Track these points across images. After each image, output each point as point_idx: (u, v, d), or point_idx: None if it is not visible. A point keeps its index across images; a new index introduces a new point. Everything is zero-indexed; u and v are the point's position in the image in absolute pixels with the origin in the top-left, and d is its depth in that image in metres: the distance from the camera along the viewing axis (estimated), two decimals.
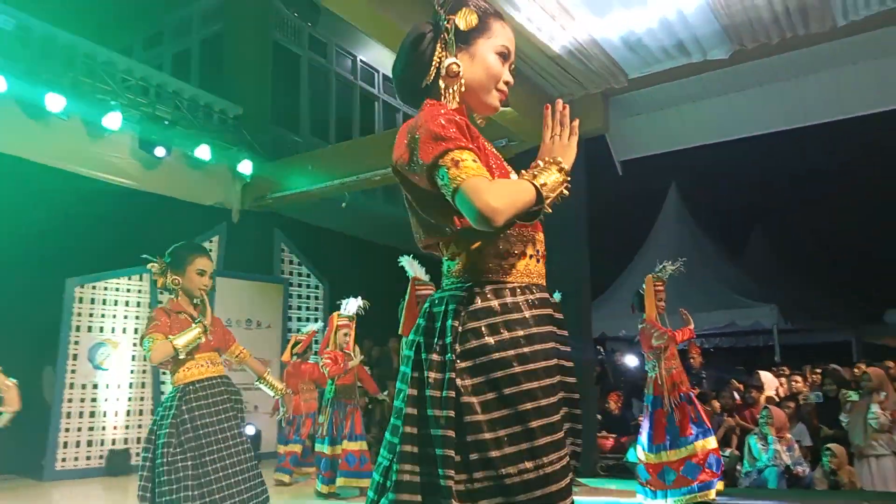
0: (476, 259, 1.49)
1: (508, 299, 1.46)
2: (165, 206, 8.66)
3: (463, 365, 1.40)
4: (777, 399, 6.93)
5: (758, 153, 12.84)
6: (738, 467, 6.19)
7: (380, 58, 12.79)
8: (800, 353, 11.47)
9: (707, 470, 4.81)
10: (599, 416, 7.89)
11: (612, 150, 8.33)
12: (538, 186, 1.43)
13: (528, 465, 1.35)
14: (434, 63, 1.55)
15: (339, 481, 5.72)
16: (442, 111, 1.49)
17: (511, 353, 1.40)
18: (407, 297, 4.19)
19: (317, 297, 10.05)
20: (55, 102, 7.06)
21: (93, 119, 7.70)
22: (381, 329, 6.39)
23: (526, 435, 1.36)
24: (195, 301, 3.20)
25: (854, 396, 6.04)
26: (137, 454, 7.88)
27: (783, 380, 7.37)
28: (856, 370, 6.65)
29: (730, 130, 8.12)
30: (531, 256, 1.53)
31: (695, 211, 13.02)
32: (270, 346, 9.14)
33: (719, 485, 4.91)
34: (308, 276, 10.04)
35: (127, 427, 7.90)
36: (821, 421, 6.45)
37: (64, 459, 7.31)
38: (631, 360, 11.94)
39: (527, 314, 1.46)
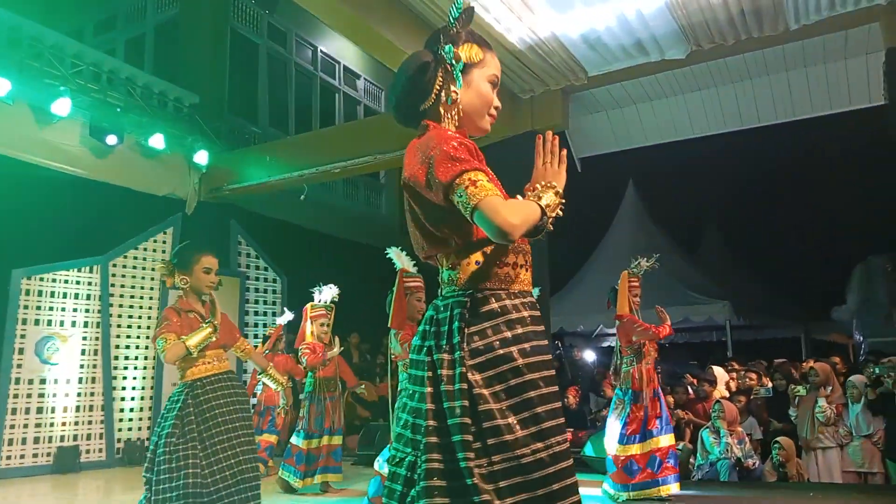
0: (476, 270, 1.67)
1: (507, 302, 1.64)
2: (117, 196, 8.43)
3: (471, 362, 1.57)
4: (728, 393, 7.10)
5: (713, 153, 13.12)
6: (692, 460, 6.32)
7: (341, 49, 12.66)
8: (751, 349, 11.78)
9: (668, 464, 4.93)
10: None
11: (571, 147, 8.40)
12: (543, 207, 1.62)
13: (539, 445, 1.52)
14: (434, 91, 1.72)
15: (331, 477, 5.71)
16: (452, 135, 1.67)
17: (513, 348, 1.58)
18: (395, 290, 4.14)
19: (275, 291, 9.91)
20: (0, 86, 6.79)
21: (40, 104, 7.42)
22: (337, 322, 6.36)
23: (534, 420, 1.54)
24: (203, 298, 3.33)
25: (802, 391, 6.22)
26: (87, 451, 7.70)
27: (734, 374, 7.55)
28: (804, 365, 6.85)
29: (686, 130, 8.28)
30: (522, 266, 1.71)
31: (651, 208, 13.24)
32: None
33: (676, 485, 4.98)
34: (266, 269, 9.89)
35: (76, 423, 7.67)
36: (770, 415, 6.62)
37: (9, 457, 7.06)
38: (588, 356, 12.12)
39: (525, 314, 1.65)
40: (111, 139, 7.92)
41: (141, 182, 8.67)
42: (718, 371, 7.43)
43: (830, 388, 6.03)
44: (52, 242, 7.68)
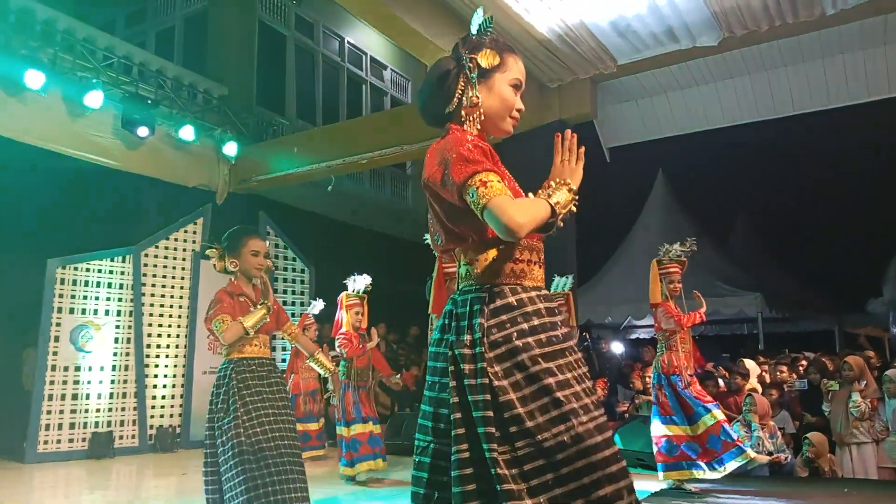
0: (492, 265, 1.75)
1: (523, 295, 1.71)
2: (148, 187, 8.56)
3: (491, 354, 1.64)
4: (761, 387, 6.98)
5: (744, 142, 12.89)
6: None
7: (367, 40, 12.66)
8: (783, 342, 11.59)
9: (709, 448, 4.93)
10: None
11: (600, 137, 8.31)
12: (552, 204, 1.68)
13: (561, 428, 1.58)
14: (457, 95, 1.81)
15: (373, 464, 5.71)
16: (469, 138, 1.74)
17: (531, 339, 1.66)
18: (434, 276, 4.19)
19: (302, 281, 10.00)
20: (34, 79, 6.91)
21: (73, 97, 7.55)
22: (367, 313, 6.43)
23: (554, 404, 1.60)
24: (254, 282, 3.39)
25: (835, 386, 6.10)
26: (121, 437, 7.86)
27: (766, 367, 7.43)
28: (837, 359, 6.70)
29: (717, 119, 8.13)
30: (535, 263, 1.80)
31: (681, 199, 13.05)
32: None
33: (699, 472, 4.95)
34: (294, 259, 9.97)
35: (110, 410, 7.84)
36: (804, 409, 6.51)
37: (46, 442, 7.25)
38: (616, 347, 12.03)
39: (540, 306, 1.72)
40: (142, 131, 8.03)
41: (171, 173, 8.79)
42: (750, 364, 7.31)
43: (865, 382, 5.90)
44: (86, 232, 7.82)
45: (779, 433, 5.96)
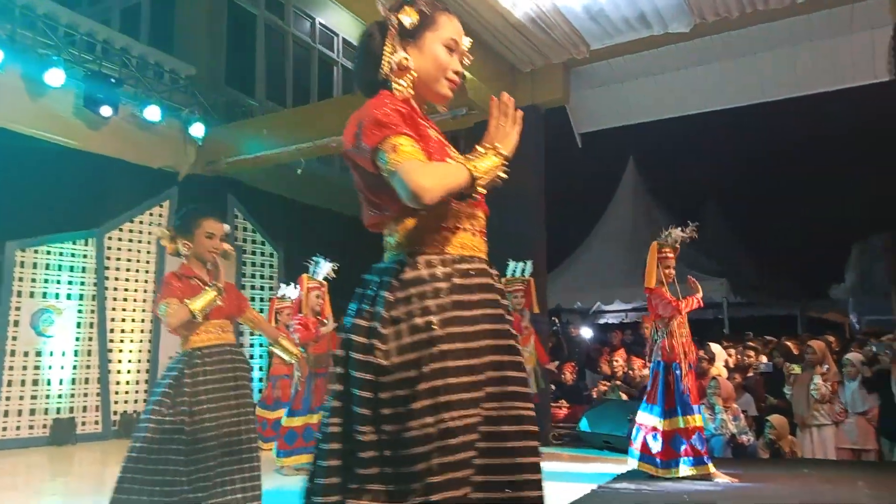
0: (412, 234, 1.64)
1: (438, 269, 1.59)
2: (113, 169, 8.34)
3: (387, 331, 1.53)
4: (726, 371, 7.10)
5: (714, 129, 13.03)
6: None
7: (339, 21, 12.47)
8: (747, 326, 11.80)
9: (691, 445, 4.81)
10: (553, 387, 7.99)
11: (572, 122, 8.32)
12: (471, 170, 1.57)
13: (429, 419, 1.47)
14: (385, 59, 1.71)
15: (297, 458, 5.47)
16: (387, 101, 1.63)
17: (434, 318, 1.53)
18: None
19: (271, 266, 9.88)
20: None
21: (33, 75, 7.31)
22: (333, 297, 6.30)
23: (432, 392, 1.49)
24: (208, 266, 3.18)
25: (797, 369, 6.22)
26: (83, 423, 7.71)
27: (732, 351, 7.55)
28: (800, 343, 6.85)
29: (688, 105, 8.19)
30: (466, 230, 1.67)
31: (651, 185, 13.17)
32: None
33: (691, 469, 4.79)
34: (262, 243, 9.84)
35: (72, 396, 7.68)
36: (767, 392, 6.64)
37: (5, 428, 7.08)
38: (585, 332, 12.14)
39: (456, 280, 1.58)
40: (106, 110, 7.82)
41: (136, 154, 8.58)
42: (716, 348, 7.43)
43: (826, 366, 6.03)
44: (47, 214, 7.61)
45: (742, 415, 6.08)
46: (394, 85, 1.70)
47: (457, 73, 1.77)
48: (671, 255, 5.19)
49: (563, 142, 8.52)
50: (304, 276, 5.79)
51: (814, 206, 15.87)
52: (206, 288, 3.08)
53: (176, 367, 3.04)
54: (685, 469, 4.75)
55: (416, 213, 1.61)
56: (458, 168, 1.58)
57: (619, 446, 6.23)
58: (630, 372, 7.75)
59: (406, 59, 1.69)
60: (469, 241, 1.67)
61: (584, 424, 6.69)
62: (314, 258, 5.87)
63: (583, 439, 6.71)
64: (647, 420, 4.99)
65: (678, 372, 4.89)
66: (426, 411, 1.48)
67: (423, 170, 1.52)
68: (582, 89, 8.06)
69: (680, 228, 5.24)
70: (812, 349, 6.13)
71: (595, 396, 8.00)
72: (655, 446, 4.87)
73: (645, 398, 5.11)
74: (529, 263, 6.40)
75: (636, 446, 5.02)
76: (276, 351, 3.67)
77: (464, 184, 1.56)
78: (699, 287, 5.20)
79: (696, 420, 4.86)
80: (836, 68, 7.29)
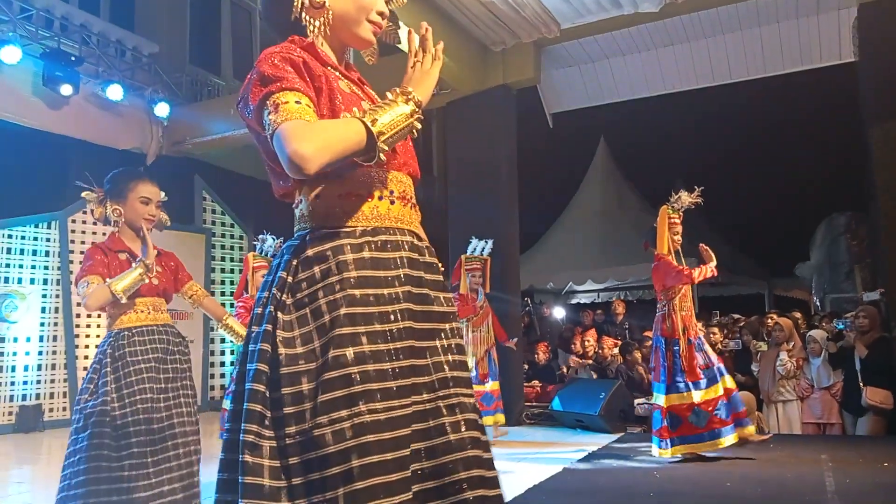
0: (316, 205, 1.41)
1: (345, 241, 1.36)
2: (74, 150, 8.13)
3: (289, 317, 1.33)
4: None
5: (683, 109, 13.08)
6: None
7: None
8: (715, 305, 11.99)
9: (716, 417, 4.61)
10: (526, 366, 8.05)
11: (543, 102, 8.31)
12: (367, 125, 1.31)
13: (343, 413, 1.24)
14: None
15: None
16: (279, 50, 1.40)
17: (339, 295, 1.31)
18: None
19: (241, 248, 9.75)
20: None
21: None
22: None
23: (343, 381, 1.26)
24: (140, 235, 2.78)
25: (764, 347, 6.35)
26: (51, 410, 7.57)
27: (703, 330, 7.66)
28: (769, 321, 6.97)
29: (658, 85, 8.23)
30: (381, 198, 1.42)
31: (622, 165, 13.23)
32: None
33: (732, 436, 4.62)
34: (232, 226, 9.70)
35: (39, 382, 7.53)
36: (736, 369, 6.75)
37: None
38: (558, 312, 12.24)
39: (366, 255, 1.36)
40: (66, 89, 7.60)
41: (99, 135, 8.38)
42: None
43: (793, 343, 6.16)
44: (8, 197, 7.40)
45: None
46: (310, 28, 1.47)
47: (381, 14, 1.54)
48: (678, 220, 4.95)
49: (534, 122, 8.51)
50: (250, 254, 5.51)
51: (780, 185, 16.13)
52: (133, 265, 2.69)
53: (100, 351, 2.70)
54: (680, 448, 4.61)
55: (321, 181, 1.39)
56: (351, 124, 1.31)
57: (590, 425, 6.32)
58: (601, 351, 7.84)
59: None
60: (385, 210, 1.42)
61: (556, 404, 6.75)
62: (261, 235, 5.62)
63: (555, 418, 6.78)
64: (656, 399, 4.79)
65: (676, 348, 4.67)
66: (338, 403, 1.25)
67: (304, 131, 1.26)
68: (553, 69, 8.04)
69: (685, 192, 4.98)
70: (779, 326, 6.25)
71: (566, 373, 8.09)
72: (657, 423, 4.69)
73: (654, 379, 4.88)
74: (490, 242, 6.36)
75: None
76: (223, 332, 3.19)
77: (360, 143, 1.30)
78: (712, 255, 4.92)
79: (693, 397, 4.61)
80: (803, 49, 7.38)
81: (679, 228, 4.93)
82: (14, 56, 7.04)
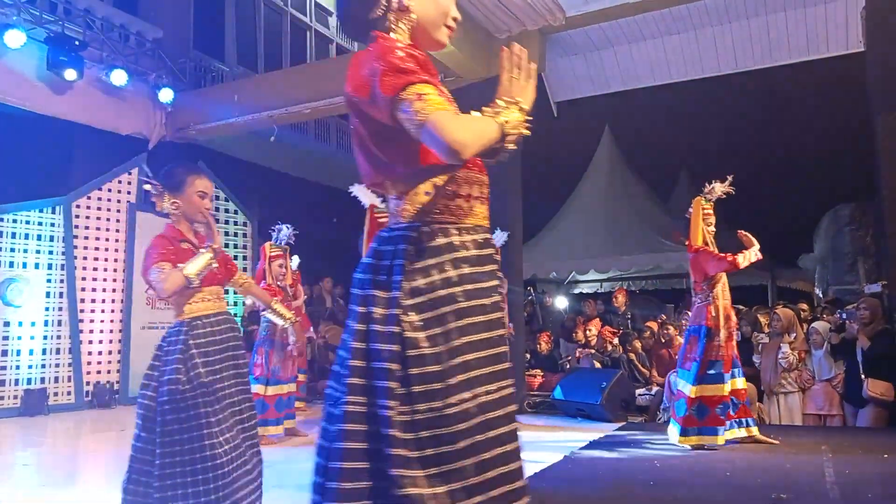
0: (425, 200, 1.52)
1: (455, 238, 1.50)
2: (78, 134, 8.15)
3: (409, 302, 1.44)
4: None
5: (689, 99, 13.03)
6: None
7: None
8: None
9: (745, 406, 4.69)
10: (528, 355, 8.07)
11: (548, 90, 8.28)
12: (502, 124, 1.44)
13: (467, 395, 1.40)
14: None
15: (288, 423, 5.48)
16: (399, 45, 1.50)
17: (457, 289, 1.46)
18: (367, 227, 3.93)
19: (244, 235, 9.76)
20: None
21: None
22: (311, 268, 6.23)
23: (465, 366, 1.42)
24: (195, 227, 2.91)
25: (765, 338, 6.34)
26: (56, 394, 7.62)
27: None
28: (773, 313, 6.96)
29: (664, 74, 8.20)
30: (476, 198, 1.57)
31: (627, 154, 13.18)
32: None
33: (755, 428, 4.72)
34: (235, 212, 9.71)
35: (44, 366, 7.57)
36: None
37: None
38: (560, 302, 12.25)
39: (473, 252, 1.51)
40: (70, 74, 7.59)
41: (103, 120, 8.38)
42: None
43: (794, 334, 6.15)
44: (12, 182, 7.42)
45: None
46: (393, 28, 1.56)
47: (455, 18, 1.64)
48: (711, 211, 4.92)
49: (538, 110, 8.47)
50: (267, 244, 5.66)
51: (785, 175, 16.08)
52: (201, 250, 2.79)
53: (178, 339, 2.75)
54: (708, 438, 4.61)
55: (430, 175, 1.51)
56: (490, 122, 1.44)
57: (592, 414, 6.34)
58: (604, 341, 7.85)
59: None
60: (478, 209, 1.58)
61: (557, 393, 6.77)
62: (276, 225, 5.77)
63: (557, 407, 6.81)
64: (682, 387, 4.76)
65: (717, 338, 4.64)
66: (462, 387, 1.41)
67: (458, 122, 1.39)
68: (558, 57, 8.01)
69: (719, 182, 4.95)
70: (778, 317, 6.25)
71: (568, 365, 8.10)
72: (682, 412, 4.67)
73: (680, 363, 4.85)
74: (506, 234, 6.39)
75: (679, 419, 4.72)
76: (271, 316, 3.50)
77: (495, 139, 1.43)
78: (753, 239, 4.83)
79: (725, 389, 4.63)
80: (810, 38, 7.33)
81: (713, 219, 4.92)
82: (18, 40, 7.03)
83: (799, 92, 14.18)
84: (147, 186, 2.97)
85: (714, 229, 4.90)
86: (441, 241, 1.49)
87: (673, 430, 4.77)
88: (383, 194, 1.63)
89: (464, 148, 1.36)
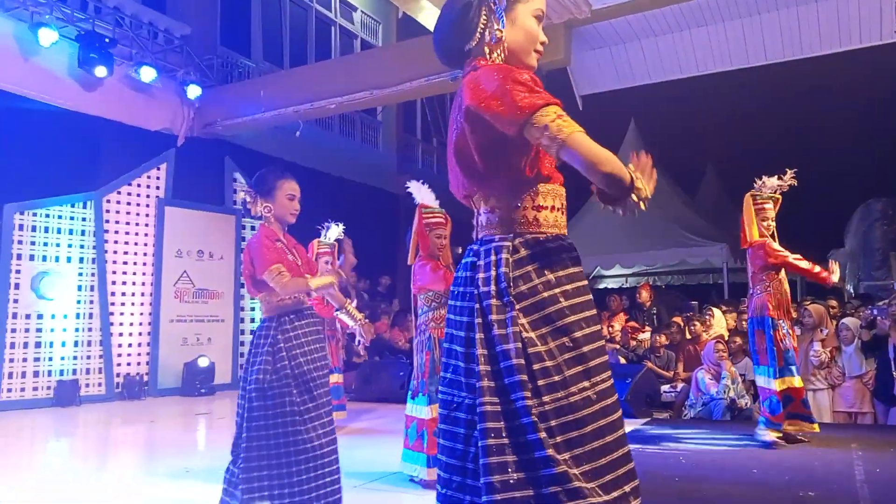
0: (516, 212, 1.65)
1: (548, 245, 1.64)
2: (108, 130, 8.28)
3: (519, 306, 1.58)
4: (727, 334, 7.13)
5: (716, 92, 12.89)
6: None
7: None
8: (745, 292, 11.84)
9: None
10: None
11: (573, 84, 8.23)
12: (630, 172, 1.55)
13: (586, 384, 1.56)
14: (479, 30, 1.68)
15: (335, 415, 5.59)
16: (518, 68, 1.64)
17: (557, 290, 1.60)
18: (415, 225, 3.95)
19: None
20: None
21: (25, 34, 7.20)
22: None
23: (580, 359, 1.57)
24: (285, 228, 3.10)
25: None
26: (87, 385, 7.78)
27: (735, 315, 7.58)
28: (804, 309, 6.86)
29: (690, 67, 8.08)
30: (559, 209, 1.70)
31: (652, 149, 12.99)
32: (222, 277, 8.97)
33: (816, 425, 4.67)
34: None
35: (75, 358, 7.74)
36: None
37: (10, 390, 7.15)
38: None
39: (564, 256, 1.65)
40: (100, 70, 7.72)
41: (132, 116, 8.50)
42: (717, 313, 7.45)
43: (826, 330, 6.05)
44: (44, 177, 7.57)
45: (740, 379, 6.12)
46: (488, 57, 1.68)
47: (543, 43, 1.75)
48: (769, 206, 4.90)
49: (564, 104, 8.43)
50: (315, 241, 5.73)
51: (815, 170, 15.79)
52: (327, 270, 3.08)
53: (268, 334, 2.91)
54: (811, 426, 4.66)
55: (523, 190, 1.65)
56: (620, 163, 1.55)
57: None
58: (628, 336, 7.80)
59: (501, 31, 1.68)
60: (560, 219, 1.70)
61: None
62: (325, 223, 5.83)
63: None
64: (766, 383, 4.68)
65: (786, 329, 4.63)
66: (580, 377, 1.55)
67: (595, 143, 1.53)
68: (583, 51, 7.95)
69: (777, 176, 4.93)
70: (809, 312, 6.15)
71: None
72: (775, 409, 4.59)
73: (757, 360, 4.77)
74: None
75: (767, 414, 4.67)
76: (343, 317, 3.61)
77: (625, 180, 1.54)
78: (835, 271, 4.88)
79: (797, 381, 4.64)
80: (842, 29, 7.18)
81: (770, 213, 4.88)
82: (50, 38, 7.16)
83: (829, 84, 13.92)
84: (243, 194, 3.14)
85: (770, 224, 4.86)
86: (535, 249, 1.63)
87: (768, 431, 4.64)
88: (473, 208, 1.75)
89: (602, 165, 1.50)
